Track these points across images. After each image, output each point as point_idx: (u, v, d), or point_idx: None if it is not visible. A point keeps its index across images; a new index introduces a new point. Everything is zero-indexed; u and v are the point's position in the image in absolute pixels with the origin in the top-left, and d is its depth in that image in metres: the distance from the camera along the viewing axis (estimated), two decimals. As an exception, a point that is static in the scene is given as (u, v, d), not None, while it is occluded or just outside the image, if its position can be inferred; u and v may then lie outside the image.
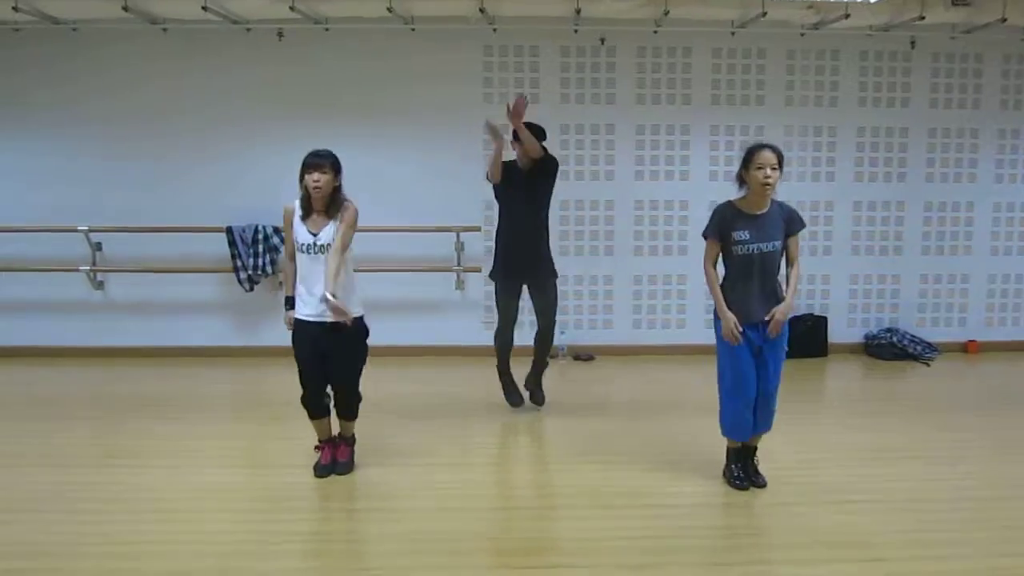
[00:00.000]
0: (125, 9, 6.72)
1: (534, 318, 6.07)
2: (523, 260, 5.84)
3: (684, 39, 7.68)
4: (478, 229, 7.62)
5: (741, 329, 4.30)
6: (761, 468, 4.70)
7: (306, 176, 4.50)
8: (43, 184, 7.68)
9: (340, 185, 4.60)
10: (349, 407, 4.82)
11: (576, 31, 7.57)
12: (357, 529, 4.17)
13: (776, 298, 4.41)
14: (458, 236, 7.56)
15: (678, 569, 3.71)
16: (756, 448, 4.65)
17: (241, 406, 5.56)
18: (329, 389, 4.75)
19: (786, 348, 4.51)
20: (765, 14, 6.94)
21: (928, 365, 7.65)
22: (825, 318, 8.05)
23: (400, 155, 7.64)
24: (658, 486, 4.59)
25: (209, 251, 7.64)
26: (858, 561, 3.69)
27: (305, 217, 4.58)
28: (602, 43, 7.68)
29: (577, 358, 7.76)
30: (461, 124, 7.64)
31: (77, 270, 7.69)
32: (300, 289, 4.61)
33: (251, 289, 7.66)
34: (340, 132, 7.63)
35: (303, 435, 5.33)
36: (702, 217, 7.72)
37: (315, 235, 4.53)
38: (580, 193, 7.77)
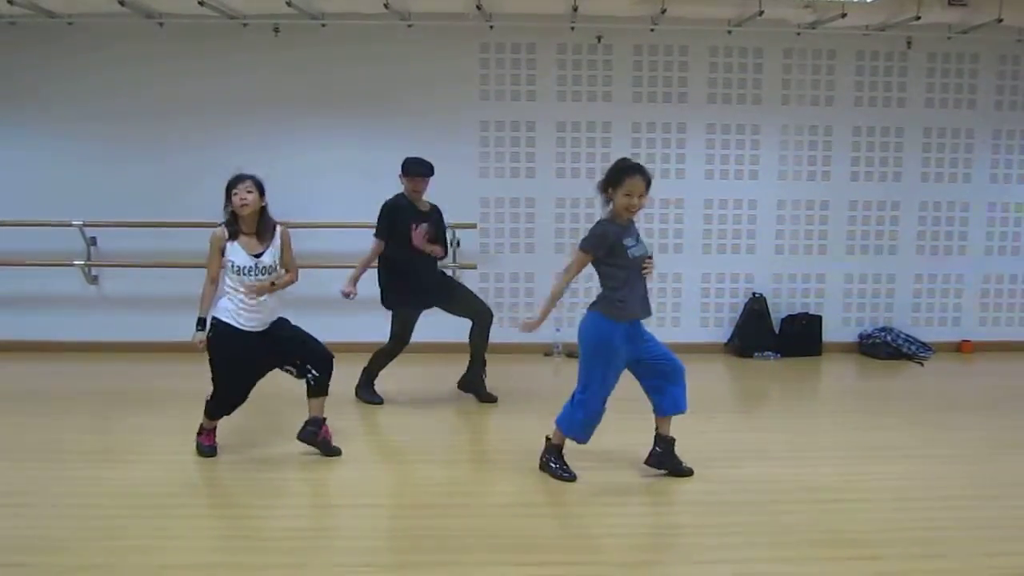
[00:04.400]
0: (121, 3, 6.72)
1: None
2: (436, 285, 6.12)
3: (681, 37, 7.69)
4: (474, 226, 7.63)
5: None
6: (757, 466, 4.79)
7: (233, 195, 4.64)
8: (37, 178, 7.67)
9: (266, 206, 4.75)
10: (328, 378, 4.92)
11: (573, 29, 7.58)
12: (350, 525, 4.16)
13: (648, 298, 4.56)
14: (454, 233, 7.55)
15: (672, 567, 3.71)
16: (670, 438, 4.69)
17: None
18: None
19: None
20: (762, 13, 6.95)
21: (922, 364, 7.67)
22: (819, 317, 8.07)
23: (395, 151, 7.55)
24: (652, 484, 4.60)
25: (203, 246, 7.53)
26: (851, 560, 3.69)
27: (233, 238, 4.69)
28: (599, 41, 7.69)
29: (571, 355, 7.77)
30: (457, 121, 7.66)
31: (71, 265, 7.68)
32: (231, 306, 4.70)
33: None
34: (335, 128, 7.66)
35: (294, 431, 5.34)
36: (697, 215, 7.85)
37: (258, 256, 4.68)
38: (575, 191, 7.77)
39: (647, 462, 4.67)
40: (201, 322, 4.69)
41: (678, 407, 4.59)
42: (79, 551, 3.71)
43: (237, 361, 4.74)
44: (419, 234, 5.90)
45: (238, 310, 4.68)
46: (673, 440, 4.66)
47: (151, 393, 6.45)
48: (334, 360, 4.92)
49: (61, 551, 3.71)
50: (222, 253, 4.69)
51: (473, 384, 6.28)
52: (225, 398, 4.82)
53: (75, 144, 7.66)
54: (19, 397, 6.40)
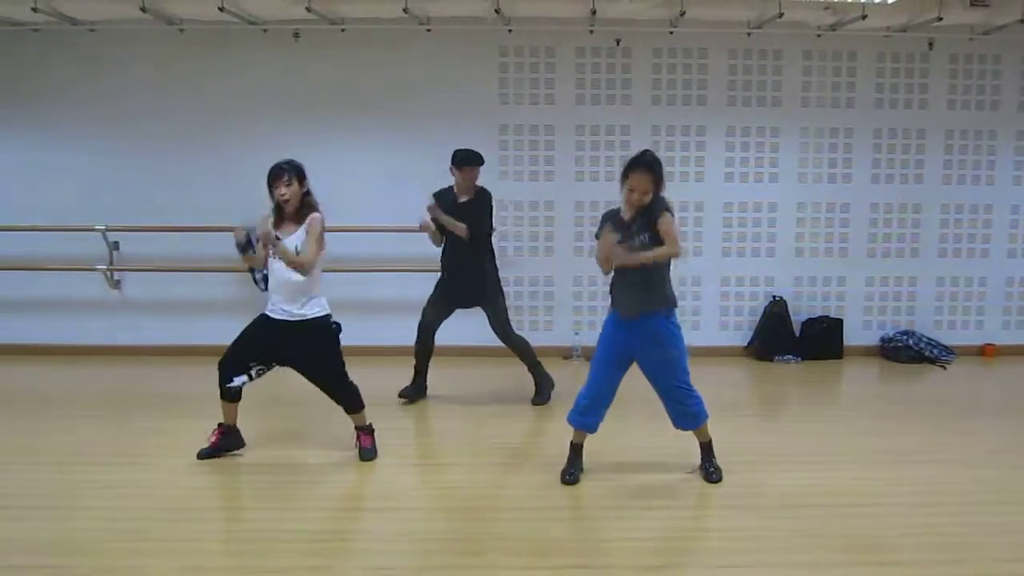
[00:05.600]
0: (143, 10, 6.76)
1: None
2: (466, 285, 6.10)
3: (700, 40, 7.67)
4: (493, 230, 7.61)
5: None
6: (777, 472, 4.78)
7: (273, 191, 4.73)
8: (61, 184, 7.74)
9: (308, 191, 4.83)
10: (348, 403, 5.02)
11: (592, 32, 7.57)
12: (368, 529, 4.18)
13: (655, 294, 4.45)
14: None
15: (690, 570, 3.71)
16: (707, 443, 4.72)
17: (256, 405, 5.58)
18: (243, 378, 4.93)
19: (672, 351, 4.49)
20: (782, 15, 6.91)
21: (944, 368, 7.61)
22: (841, 320, 8.01)
23: (415, 155, 7.65)
24: (669, 487, 4.59)
25: (225, 250, 7.60)
26: (871, 564, 3.67)
27: (277, 225, 4.80)
28: (618, 44, 7.67)
29: (591, 359, 7.75)
30: (476, 124, 7.65)
31: (94, 269, 7.75)
32: (272, 293, 4.89)
33: (266, 289, 7.63)
34: (354, 132, 7.70)
35: (317, 434, 5.38)
36: (717, 218, 7.83)
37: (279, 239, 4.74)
38: (595, 194, 7.76)
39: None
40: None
41: (678, 423, 4.65)
42: (103, 553, 3.75)
43: (253, 336, 4.91)
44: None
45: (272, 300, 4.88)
46: (704, 447, 4.72)
47: (173, 397, 6.49)
48: (345, 391, 4.99)
49: (85, 553, 3.75)
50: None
51: (543, 389, 6.35)
52: (225, 357, 4.92)
53: (97, 149, 7.73)
54: (42, 400, 6.46)
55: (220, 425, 5.08)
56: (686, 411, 4.55)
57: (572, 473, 4.65)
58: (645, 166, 4.34)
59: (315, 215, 4.78)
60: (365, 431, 5.07)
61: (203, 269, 7.72)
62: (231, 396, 4.98)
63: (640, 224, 4.40)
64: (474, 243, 6.05)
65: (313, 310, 4.81)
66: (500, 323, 6.19)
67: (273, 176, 4.72)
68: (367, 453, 5.01)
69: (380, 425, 5.17)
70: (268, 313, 4.86)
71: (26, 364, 7.59)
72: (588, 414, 4.61)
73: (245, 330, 4.96)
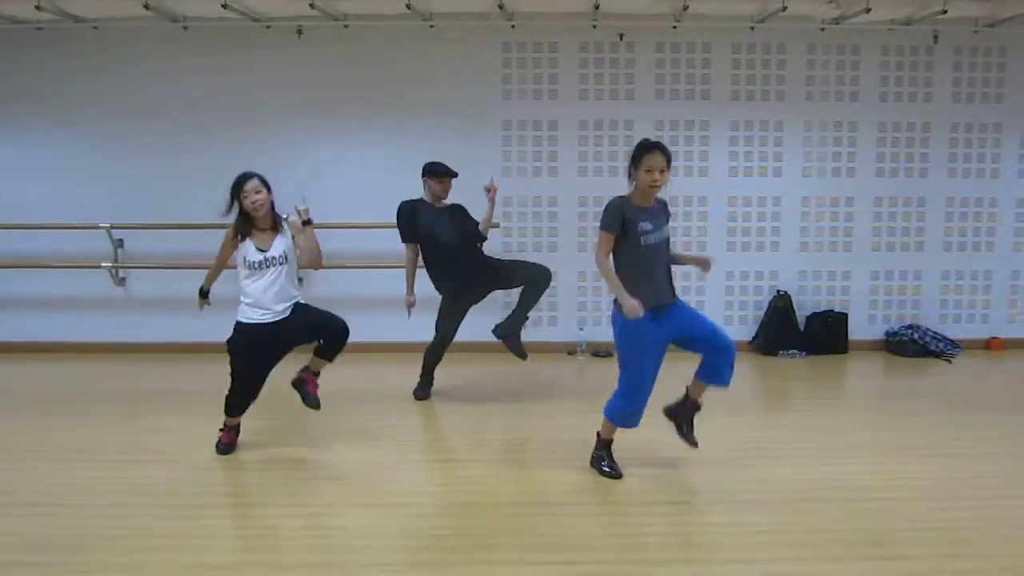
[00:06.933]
0: (146, 7, 6.76)
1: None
2: (480, 279, 6.15)
3: (703, 34, 7.65)
4: (496, 226, 7.59)
5: (643, 312, 4.28)
6: (785, 466, 4.79)
7: (243, 198, 4.72)
8: (65, 181, 7.76)
9: (273, 201, 4.84)
10: (342, 347, 5.04)
11: (595, 27, 7.56)
12: (375, 525, 4.18)
13: (671, 282, 4.52)
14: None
15: (701, 566, 3.70)
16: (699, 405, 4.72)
17: (262, 402, 5.59)
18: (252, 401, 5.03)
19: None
20: (785, 9, 6.90)
21: (950, 362, 7.59)
22: (845, 314, 7.99)
23: (418, 151, 7.59)
24: (680, 482, 4.59)
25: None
26: (879, 559, 3.67)
27: (247, 236, 4.80)
28: (621, 39, 7.66)
29: (596, 354, 7.77)
30: (480, 120, 7.65)
31: (99, 266, 7.75)
32: (251, 302, 4.84)
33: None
34: (359, 129, 7.69)
35: (325, 431, 5.38)
36: (721, 213, 7.82)
37: (264, 251, 4.78)
38: (599, 189, 7.74)
39: (665, 408, 4.75)
40: (202, 291, 5.05)
41: (712, 378, 4.56)
42: (107, 550, 3.76)
43: (253, 360, 4.88)
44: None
45: (252, 307, 4.83)
46: (696, 405, 4.69)
47: (178, 393, 6.51)
48: (347, 336, 5.00)
49: (89, 550, 3.76)
50: (233, 248, 4.84)
51: (510, 329, 6.24)
52: (240, 394, 4.94)
53: (101, 147, 7.74)
54: (46, 397, 6.48)
55: (232, 427, 5.11)
56: (728, 362, 4.53)
57: (615, 468, 4.66)
58: (658, 147, 4.34)
59: (290, 217, 4.86)
60: (316, 376, 5.10)
61: (208, 266, 7.67)
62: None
63: (658, 216, 4.44)
64: (466, 246, 6.11)
65: (296, 295, 4.93)
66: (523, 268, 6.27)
67: (242, 180, 4.72)
68: (311, 400, 5.07)
69: (387, 422, 5.20)
70: (260, 320, 4.83)
71: (31, 361, 7.61)
72: (636, 417, 4.58)
73: (247, 360, 4.88)
